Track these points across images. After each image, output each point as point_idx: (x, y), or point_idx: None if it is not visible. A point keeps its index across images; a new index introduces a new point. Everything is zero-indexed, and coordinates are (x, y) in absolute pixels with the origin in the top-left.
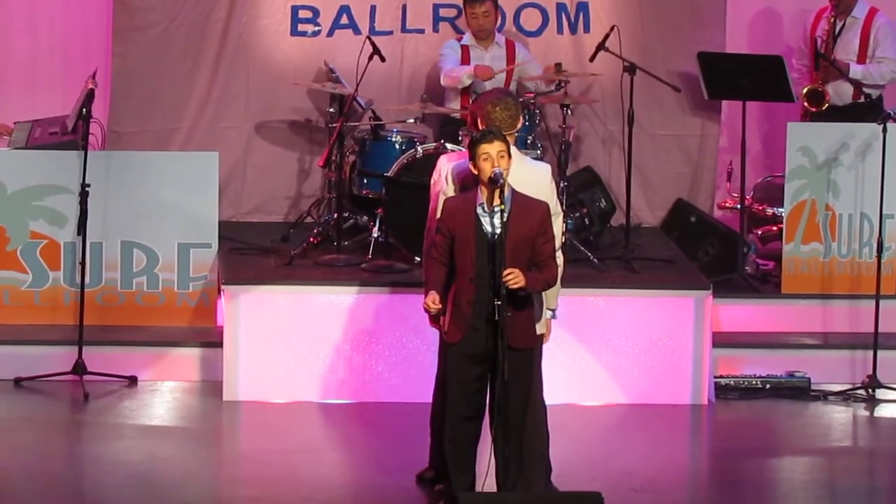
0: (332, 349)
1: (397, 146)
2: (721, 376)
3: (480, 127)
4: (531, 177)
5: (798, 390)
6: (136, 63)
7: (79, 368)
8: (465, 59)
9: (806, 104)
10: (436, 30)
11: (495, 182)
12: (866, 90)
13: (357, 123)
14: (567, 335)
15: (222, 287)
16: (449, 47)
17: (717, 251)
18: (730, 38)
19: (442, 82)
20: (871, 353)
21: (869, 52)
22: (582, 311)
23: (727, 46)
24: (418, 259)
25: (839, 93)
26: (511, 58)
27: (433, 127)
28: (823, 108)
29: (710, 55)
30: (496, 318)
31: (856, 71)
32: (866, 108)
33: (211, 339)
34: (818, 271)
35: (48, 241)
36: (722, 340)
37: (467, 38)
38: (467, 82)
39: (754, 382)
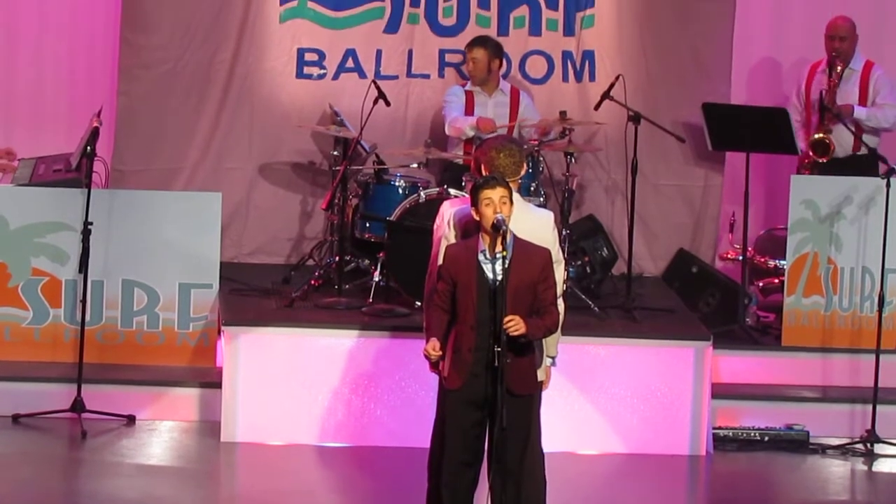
0: (330, 392)
1: (400, 190)
2: (720, 427)
3: (484, 173)
4: (534, 224)
5: (797, 443)
6: (140, 102)
7: (77, 406)
8: (469, 106)
9: (812, 154)
10: (441, 75)
11: (497, 229)
12: (865, 138)
13: (361, 167)
14: (567, 383)
15: (222, 328)
16: (453, 94)
17: (718, 302)
18: (734, 88)
19: (446, 131)
20: (870, 407)
21: (869, 100)
22: (582, 360)
23: (732, 97)
24: (419, 303)
25: (840, 143)
26: (515, 105)
27: (436, 172)
28: (829, 158)
29: (715, 106)
30: (496, 364)
31: (860, 112)
32: (866, 160)
33: (210, 380)
34: (819, 324)
35: (49, 278)
36: (721, 391)
37: (471, 84)
38: (470, 134)
39: (753, 434)
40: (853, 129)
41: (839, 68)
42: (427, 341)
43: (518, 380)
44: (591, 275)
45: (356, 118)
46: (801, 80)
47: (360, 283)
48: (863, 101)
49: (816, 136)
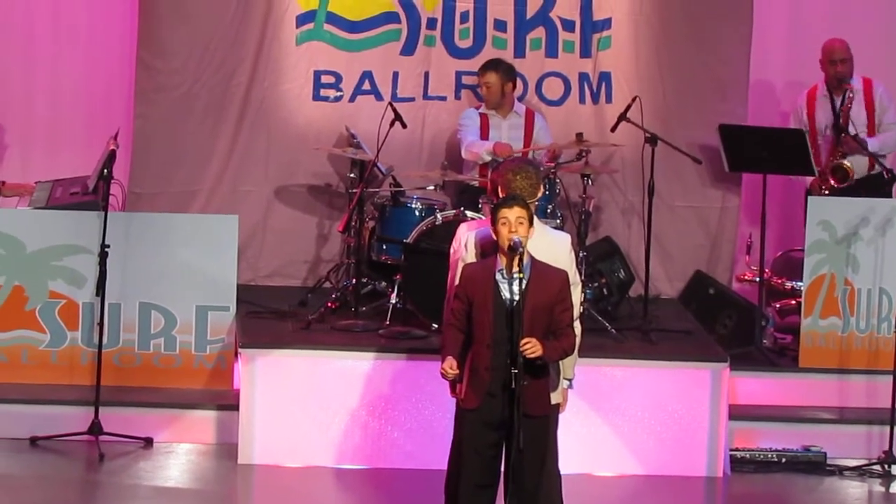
0: (347, 414)
1: (417, 213)
2: (737, 449)
3: (501, 195)
4: (551, 246)
5: (814, 465)
6: (157, 124)
7: (95, 429)
8: (484, 128)
9: (832, 181)
10: (457, 97)
11: (514, 251)
12: (881, 159)
13: (377, 189)
14: (584, 405)
15: (239, 350)
16: (467, 117)
17: (735, 324)
18: (751, 110)
19: (462, 155)
20: (887, 428)
21: (876, 120)
22: (599, 381)
23: (748, 119)
24: (436, 326)
25: (855, 165)
26: (529, 128)
27: (452, 194)
28: (848, 184)
29: (732, 128)
30: (513, 385)
31: (873, 144)
32: (882, 180)
33: (227, 402)
34: (836, 346)
35: (67, 300)
36: (738, 413)
37: (486, 107)
38: (487, 158)
39: (770, 456)
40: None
41: (848, 92)
42: (443, 361)
43: (534, 401)
44: (608, 297)
45: (373, 140)
46: (800, 108)
47: (377, 306)
48: (871, 122)
49: (835, 162)
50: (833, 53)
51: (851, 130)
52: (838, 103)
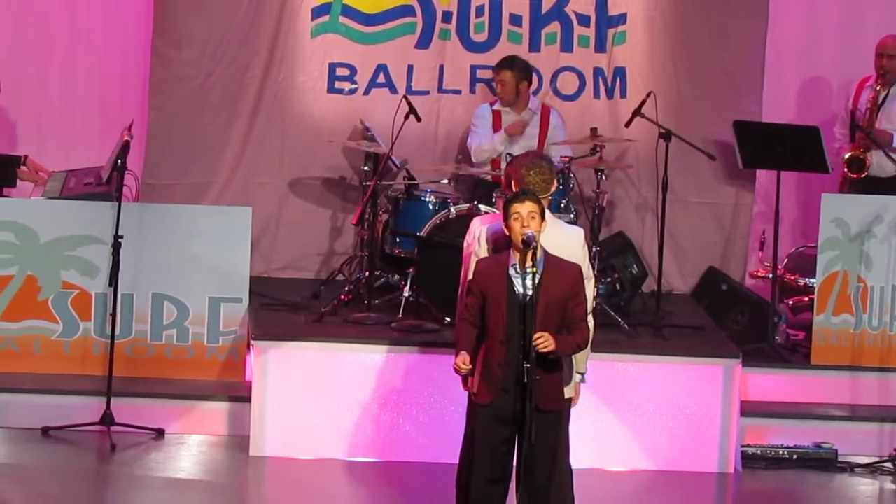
0: (359, 407)
1: (431, 206)
2: (748, 445)
3: (514, 189)
4: (564, 240)
5: (825, 462)
6: (171, 116)
7: (107, 419)
8: (497, 125)
9: (846, 171)
10: (472, 91)
11: (528, 245)
12: None
13: (391, 182)
14: (595, 400)
15: (252, 342)
16: (480, 116)
17: (748, 320)
18: (766, 106)
19: (472, 158)
20: None
21: None
22: (611, 377)
23: (763, 115)
24: (449, 319)
25: (881, 164)
26: (545, 124)
27: (466, 189)
28: (863, 175)
29: (746, 124)
30: (525, 380)
31: None
32: None
33: (239, 394)
34: (848, 343)
35: (79, 291)
36: (750, 409)
37: (500, 104)
38: (501, 148)
39: (781, 452)
40: (893, 155)
41: (879, 88)
42: (457, 355)
43: (546, 396)
44: (621, 292)
45: (387, 134)
46: (849, 95)
47: (390, 299)
48: None
49: (850, 153)
50: (882, 48)
51: (888, 127)
52: (881, 97)
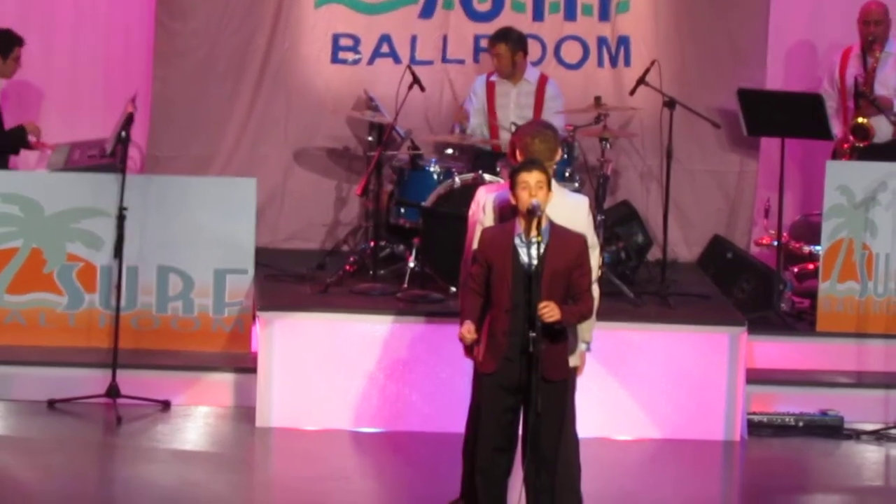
0: (365, 377)
1: (435, 176)
2: (754, 413)
3: (519, 159)
4: (569, 209)
5: (831, 429)
6: (176, 87)
7: (112, 391)
8: (490, 96)
9: (852, 139)
10: (476, 60)
11: (533, 214)
12: None
13: (395, 152)
14: (601, 369)
15: (257, 313)
16: (472, 91)
17: (753, 288)
18: (770, 74)
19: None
20: None
21: None
22: (616, 345)
23: (767, 83)
24: (454, 289)
25: (878, 129)
26: (540, 94)
27: (467, 158)
28: (869, 143)
29: (750, 92)
30: (531, 349)
31: None
32: None
33: (245, 365)
34: (854, 310)
35: (84, 263)
36: (756, 377)
37: (498, 76)
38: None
39: (787, 420)
40: (893, 119)
41: (877, 53)
42: (462, 324)
43: (552, 365)
44: (626, 261)
45: (391, 104)
46: (833, 66)
47: (395, 269)
48: None
49: (858, 120)
50: (868, 14)
51: (882, 93)
52: (869, 64)
